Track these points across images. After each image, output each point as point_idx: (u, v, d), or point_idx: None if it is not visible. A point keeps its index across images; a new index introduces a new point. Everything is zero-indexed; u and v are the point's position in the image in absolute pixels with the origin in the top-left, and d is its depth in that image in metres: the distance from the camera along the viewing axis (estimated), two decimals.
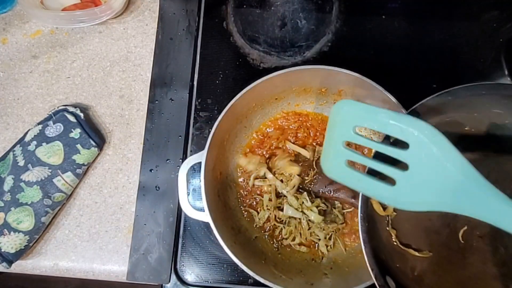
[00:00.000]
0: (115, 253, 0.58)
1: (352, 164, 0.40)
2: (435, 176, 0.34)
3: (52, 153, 0.57)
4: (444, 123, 0.44)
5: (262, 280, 0.46)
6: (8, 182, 0.56)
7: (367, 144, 0.38)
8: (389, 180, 0.37)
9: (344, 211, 0.57)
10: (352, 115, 0.38)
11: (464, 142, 0.44)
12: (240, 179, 0.58)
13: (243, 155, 0.60)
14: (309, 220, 0.55)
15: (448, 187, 0.33)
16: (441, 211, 0.34)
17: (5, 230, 0.54)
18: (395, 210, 0.45)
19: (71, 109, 0.60)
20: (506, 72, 0.61)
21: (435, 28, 0.63)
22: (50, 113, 0.59)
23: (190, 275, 0.57)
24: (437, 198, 0.34)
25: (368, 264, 0.39)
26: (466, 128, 0.45)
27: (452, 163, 0.33)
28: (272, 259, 0.54)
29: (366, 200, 0.41)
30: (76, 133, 0.58)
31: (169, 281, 0.57)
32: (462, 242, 0.45)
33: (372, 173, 0.39)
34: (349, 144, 0.41)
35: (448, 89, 0.40)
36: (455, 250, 0.44)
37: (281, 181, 0.57)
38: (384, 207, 0.44)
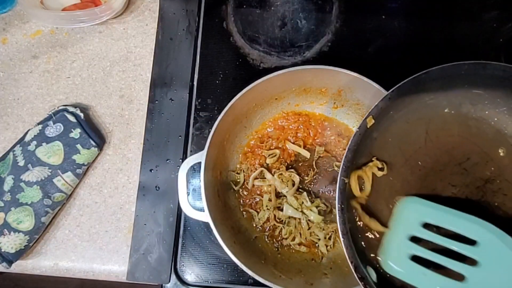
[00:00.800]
0: (115, 253, 0.58)
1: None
2: (507, 272, 0.36)
3: (52, 153, 0.57)
4: (424, 105, 0.44)
5: (262, 280, 0.46)
6: (8, 182, 0.56)
7: (436, 239, 0.39)
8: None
9: None
10: (420, 212, 0.40)
11: (444, 124, 0.44)
12: (240, 179, 0.58)
13: (243, 155, 0.60)
14: (309, 220, 0.55)
15: None
16: None
17: (5, 230, 0.54)
18: (370, 195, 0.45)
19: (71, 109, 0.60)
20: None
21: (435, 28, 0.63)
22: (50, 113, 0.59)
23: (190, 275, 0.57)
24: None
25: (347, 256, 0.39)
26: (446, 110, 0.44)
27: None
28: (272, 259, 0.54)
29: (344, 191, 0.41)
30: (76, 133, 0.58)
31: (169, 281, 0.57)
32: None
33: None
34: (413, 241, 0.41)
35: (426, 70, 0.40)
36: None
37: (281, 181, 0.57)
38: (361, 188, 0.44)
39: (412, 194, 0.43)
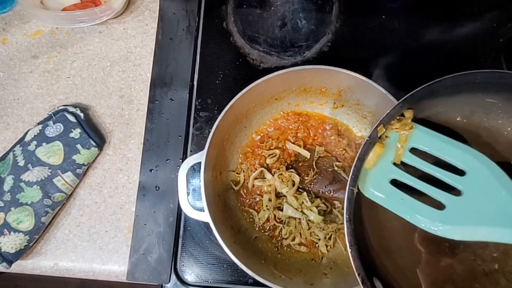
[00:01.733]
0: (115, 253, 0.58)
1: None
2: (490, 203, 0.34)
3: (52, 153, 0.57)
4: (436, 113, 0.43)
5: (262, 280, 0.46)
6: (8, 182, 0.56)
7: (423, 166, 0.37)
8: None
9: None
10: (411, 136, 0.38)
11: (455, 133, 0.43)
12: (240, 179, 0.58)
13: (243, 155, 0.60)
14: (309, 220, 0.55)
15: (504, 215, 0.33)
16: (493, 241, 0.35)
17: (5, 230, 0.54)
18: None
19: (71, 109, 0.60)
20: None
21: (435, 28, 0.63)
22: (50, 113, 0.59)
23: (190, 275, 0.57)
24: (491, 226, 0.34)
25: (354, 268, 0.38)
26: (458, 119, 0.43)
27: (509, 191, 0.34)
28: (272, 259, 0.54)
29: (352, 200, 0.40)
30: (76, 133, 0.58)
31: (169, 281, 0.57)
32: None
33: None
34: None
35: (439, 79, 0.39)
36: (445, 246, 0.43)
37: (281, 181, 0.57)
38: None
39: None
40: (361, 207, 0.42)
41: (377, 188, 0.38)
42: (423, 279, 0.42)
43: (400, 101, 0.40)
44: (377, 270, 0.41)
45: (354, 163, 0.40)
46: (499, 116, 0.42)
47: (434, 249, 0.43)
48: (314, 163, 0.58)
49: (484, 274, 0.41)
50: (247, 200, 0.58)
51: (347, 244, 0.38)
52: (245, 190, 0.59)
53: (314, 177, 0.58)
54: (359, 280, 0.38)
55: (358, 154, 0.40)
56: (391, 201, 0.38)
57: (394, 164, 0.39)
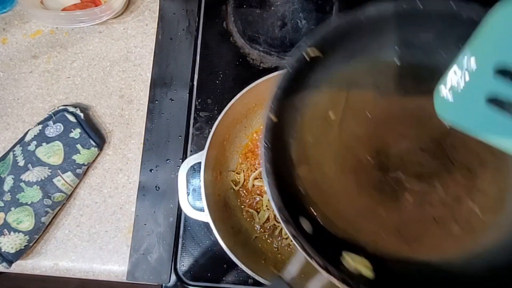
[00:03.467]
0: (115, 253, 0.58)
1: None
2: None
3: (52, 153, 0.57)
4: (369, 52, 0.38)
5: (262, 280, 0.46)
6: (8, 182, 0.56)
7: None
8: None
9: None
10: None
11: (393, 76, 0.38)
12: (240, 179, 0.58)
13: (243, 155, 0.60)
14: None
15: None
16: None
17: (5, 230, 0.54)
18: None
19: (71, 109, 0.60)
20: None
21: None
22: (50, 113, 0.59)
23: (190, 275, 0.57)
24: None
25: (271, 199, 0.32)
26: (395, 59, 0.38)
27: None
28: (272, 259, 0.54)
29: (270, 129, 0.35)
30: (76, 133, 0.58)
31: (169, 281, 0.57)
32: (396, 184, 0.37)
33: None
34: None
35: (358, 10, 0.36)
36: (388, 192, 0.38)
37: None
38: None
39: (362, 148, 0.35)
40: (287, 143, 0.37)
41: (465, 109, 0.26)
42: (364, 227, 0.36)
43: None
44: (306, 211, 0.35)
45: (274, 92, 0.36)
46: (439, 54, 0.36)
47: (377, 196, 0.38)
48: None
49: (434, 222, 0.36)
50: (247, 200, 0.58)
51: (263, 174, 0.33)
52: (245, 190, 0.59)
53: None
54: (277, 214, 0.32)
55: (278, 84, 0.36)
56: (490, 129, 0.26)
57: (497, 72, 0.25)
